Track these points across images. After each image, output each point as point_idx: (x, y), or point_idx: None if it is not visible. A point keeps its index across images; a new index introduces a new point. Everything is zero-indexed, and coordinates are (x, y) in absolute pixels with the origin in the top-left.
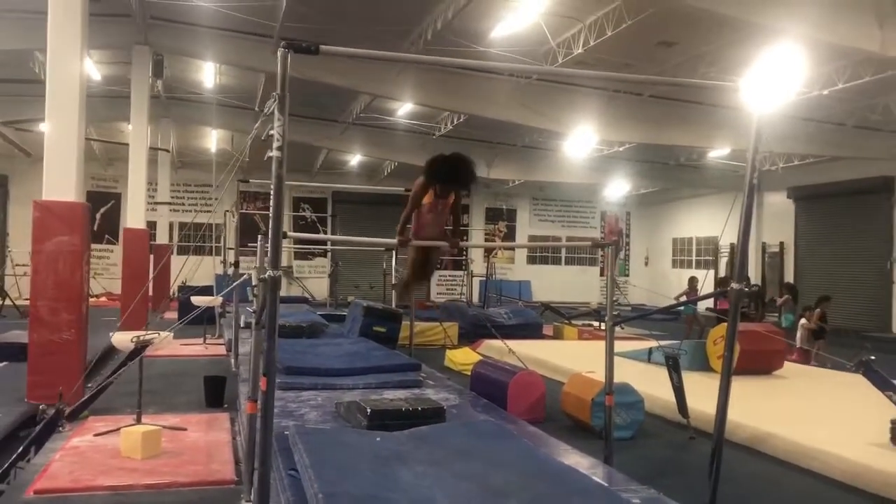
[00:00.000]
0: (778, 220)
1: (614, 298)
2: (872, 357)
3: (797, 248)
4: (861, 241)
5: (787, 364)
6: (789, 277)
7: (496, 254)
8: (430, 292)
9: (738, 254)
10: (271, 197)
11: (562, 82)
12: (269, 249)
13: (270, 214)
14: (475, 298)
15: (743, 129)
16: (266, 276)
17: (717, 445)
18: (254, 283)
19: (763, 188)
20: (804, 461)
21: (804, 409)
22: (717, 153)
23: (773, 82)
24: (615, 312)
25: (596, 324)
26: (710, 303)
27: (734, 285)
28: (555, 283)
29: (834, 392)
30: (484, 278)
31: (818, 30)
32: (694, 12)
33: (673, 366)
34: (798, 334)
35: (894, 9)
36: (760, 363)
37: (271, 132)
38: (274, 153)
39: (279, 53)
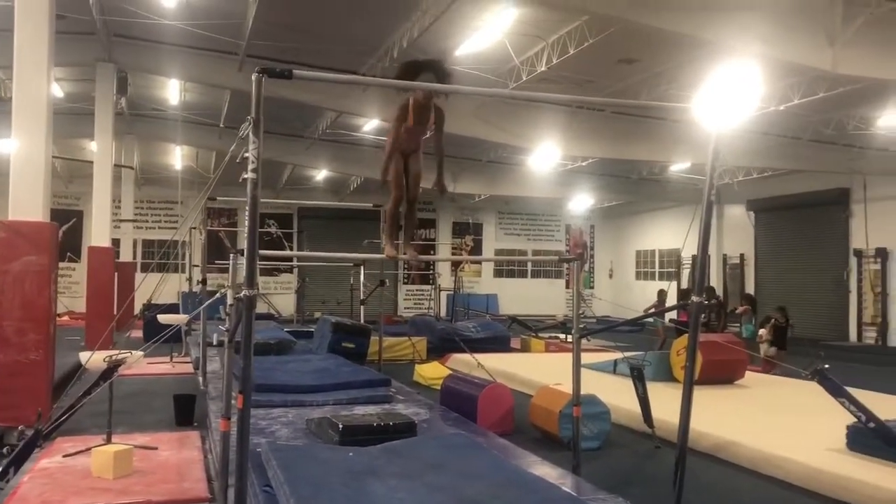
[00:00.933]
0: (738, 232)
1: (580, 311)
2: (826, 365)
3: (757, 260)
4: (818, 251)
5: (748, 373)
6: (750, 288)
7: (463, 267)
8: (397, 306)
9: (698, 267)
10: (247, 218)
11: (525, 99)
12: (244, 268)
13: (246, 234)
14: (443, 312)
15: (702, 144)
16: (242, 294)
17: (680, 454)
18: (230, 303)
19: (723, 200)
20: (766, 468)
21: (765, 417)
22: (678, 167)
23: (728, 99)
24: (581, 325)
25: (562, 336)
26: (674, 314)
27: (694, 298)
28: (521, 296)
29: (793, 399)
30: (451, 292)
31: (772, 48)
32: (652, 31)
33: (638, 376)
34: (762, 344)
35: (844, 28)
36: (722, 373)
37: (246, 155)
38: (249, 175)
39: (253, 78)
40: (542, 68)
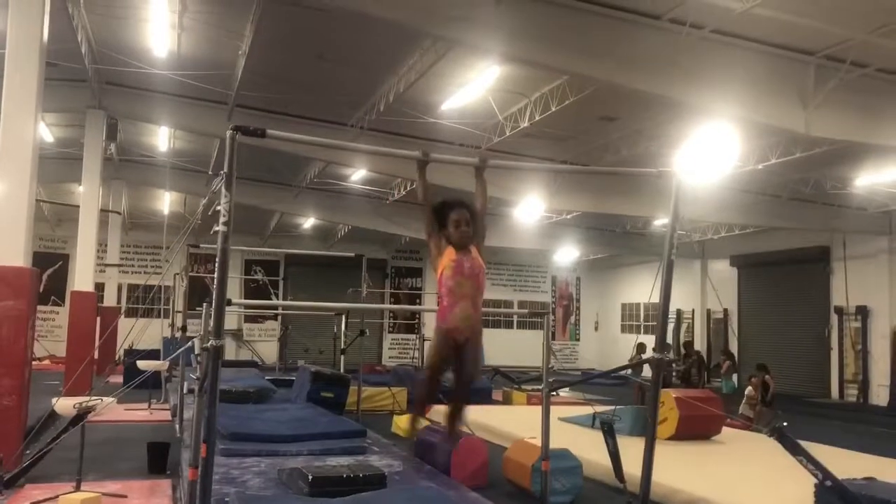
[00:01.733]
0: (722, 287)
1: (559, 363)
2: (785, 423)
3: (741, 315)
4: (800, 308)
5: (726, 429)
6: (734, 343)
7: None
8: (381, 355)
9: (659, 323)
10: (216, 269)
11: (510, 152)
12: (212, 318)
13: (215, 285)
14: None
15: (683, 200)
16: (209, 345)
17: None
18: (196, 352)
19: (707, 256)
20: None
21: (738, 474)
22: (661, 221)
23: (706, 158)
24: (551, 379)
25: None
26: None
27: (655, 354)
28: (507, 347)
29: (767, 456)
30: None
31: (748, 110)
32: (631, 92)
33: (608, 431)
34: (743, 401)
35: (816, 92)
36: (699, 428)
37: (218, 208)
38: (220, 228)
39: (227, 135)
40: (525, 124)
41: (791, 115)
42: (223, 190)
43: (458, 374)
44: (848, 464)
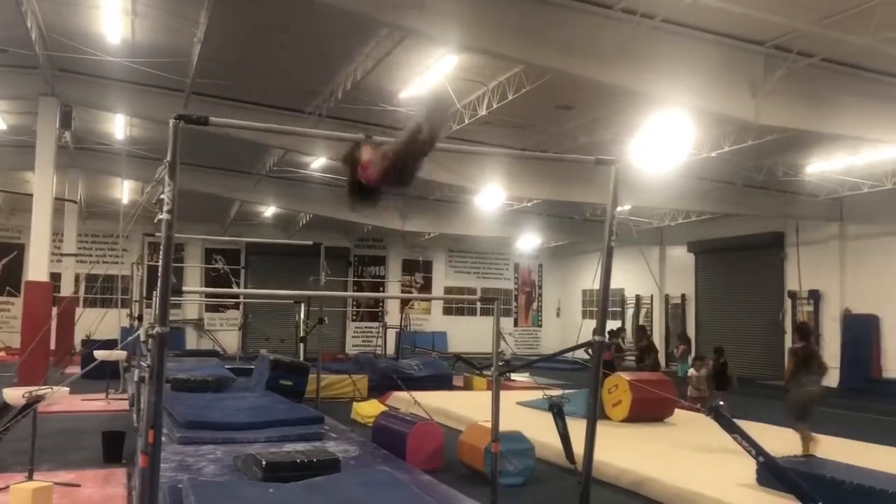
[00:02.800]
0: (680, 273)
1: (521, 349)
2: (721, 402)
3: (698, 300)
4: (756, 292)
5: (678, 412)
6: (691, 328)
7: (412, 305)
8: (345, 343)
9: (600, 308)
10: (160, 256)
11: (469, 139)
12: (157, 306)
13: (160, 273)
14: (391, 350)
15: (636, 189)
16: (154, 332)
17: (585, 487)
18: (142, 339)
19: (665, 242)
20: (681, 503)
21: (686, 454)
22: (619, 208)
23: (654, 148)
24: (500, 362)
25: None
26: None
27: (596, 337)
28: (470, 334)
29: (716, 437)
30: (399, 329)
31: (699, 99)
32: (586, 81)
33: (557, 413)
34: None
35: (765, 81)
36: (651, 411)
37: (162, 196)
38: (164, 216)
39: (171, 124)
40: (483, 112)
41: (741, 104)
42: (166, 178)
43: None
44: (795, 443)
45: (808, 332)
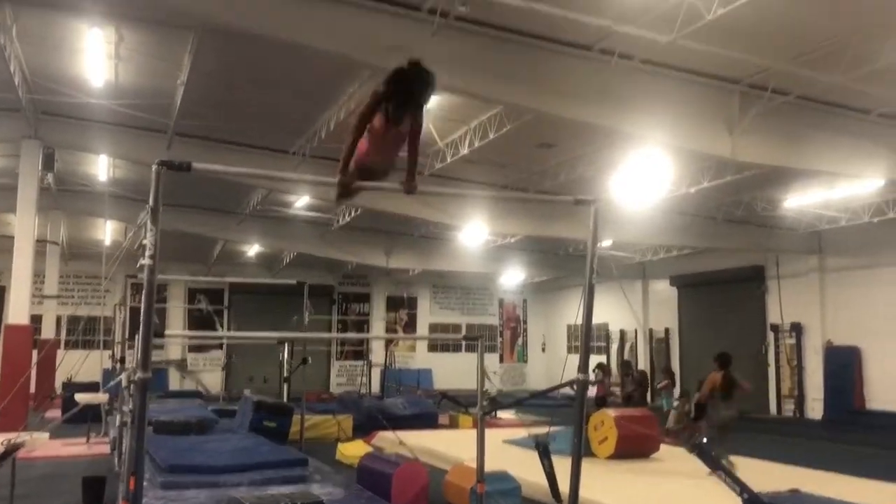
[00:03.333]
0: (663, 307)
1: (507, 385)
2: (704, 440)
3: (681, 334)
4: (738, 326)
5: (663, 447)
6: (675, 362)
7: (397, 343)
8: (329, 382)
9: (582, 345)
10: (142, 301)
11: (452, 178)
12: (140, 351)
13: (142, 318)
14: (375, 388)
15: (617, 224)
16: (136, 378)
17: None
18: (124, 385)
19: (648, 276)
20: None
21: (672, 490)
22: (601, 244)
23: (634, 185)
24: (485, 401)
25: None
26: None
27: (579, 376)
28: (455, 371)
29: (701, 472)
30: (384, 367)
31: (677, 137)
32: (565, 120)
33: (543, 452)
34: (670, 417)
35: (741, 118)
36: (638, 447)
37: (144, 241)
38: (146, 262)
39: (153, 169)
40: (465, 151)
41: (718, 141)
42: (149, 223)
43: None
44: (779, 477)
45: (727, 361)
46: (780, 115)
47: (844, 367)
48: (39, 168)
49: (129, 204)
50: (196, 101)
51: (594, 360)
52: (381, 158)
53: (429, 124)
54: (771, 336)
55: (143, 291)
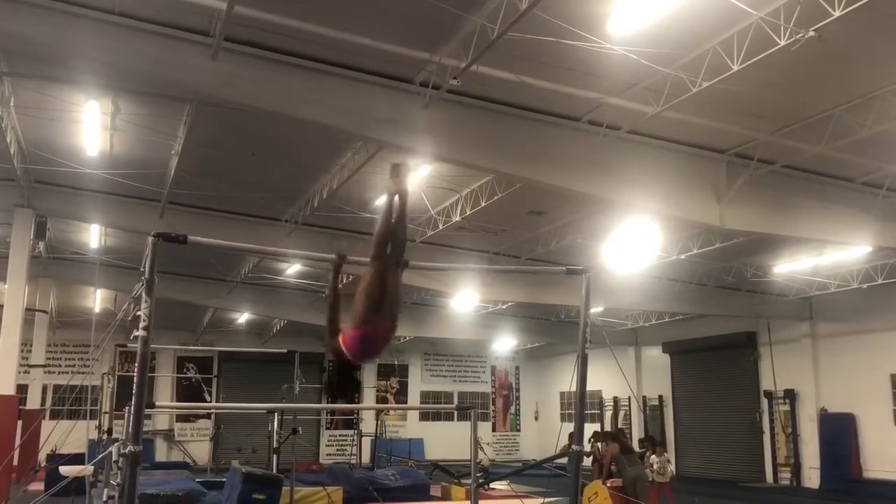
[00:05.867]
0: (656, 374)
1: (500, 454)
2: None
3: (675, 401)
4: (732, 393)
5: None
6: (669, 429)
7: (388, 412)
8: (319, 453)
9: (576, 415)
10: (136, 372)
11: (443, 245)
12: (131, 424)
13: (134, 390)
14: (366, 458)
15: (608, 291)
16: (126, 451)
17: None
18: (114, 458)
19: (640, 342)
20: None
21: None
22: (593, 310)
23: (624, 252)
24: (479, 472)
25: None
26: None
27: (574, 447)
28: (447, 440)
29: None
30: (374, 437)
31: (665, 205)
32: (556, 189)
33: None
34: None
35: (728, 187)
36: None
37: (138, 312)
38: (140, 333)
39: (149, 241)
40: (457, 218)
41: (706, 210)
42: (143, 295)
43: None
44: None
45: (617, 436)
46: (766, 184)
47: (840, 434)
48: (31, 237)
49: (120, 272)
50: (189, 170)
51: (588, 428)
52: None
53: (420, 193)
54: (765, 403)
55: (137, 363)
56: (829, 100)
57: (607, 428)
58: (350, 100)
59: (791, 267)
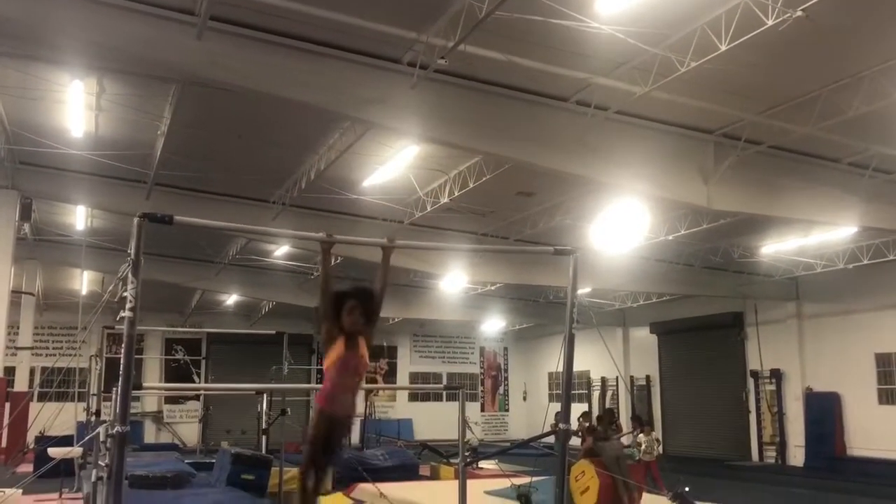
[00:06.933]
0: (643, 354)
1: (488, 434)
2: (687, 488)
3: (662, 381)
4: (718, 373)
5: (647, 496)
6: (656, 409)
7: (377, 392)
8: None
9: (563, 395)
10: (122, 354)
11: (432, 226)
12: (119, 404)
13: (121, 371)
14: (355, 439)
15: (596, 272)
16: (114, 431)
17: None
18: (101, 438)
19: (628, 323)
20: None
21: None
22: (581, 291)
23: (612, 233)
24: (467, 451)
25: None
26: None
27: (561, 425)
28: (436, 421)
29: None
30: (363, 418)
31: (652, 186)
32: (544, 169)
33: (525, 502)
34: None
35: (716, 168)
36: (622, 497)
37: (125, 293)
38: (126, 314)
39: (135, 222)
40: (445, 200)
41: (693, 190)
42: (130, 276)
43: (329, 446)
44: None
45: (593, 429)
46: (753, 165)
47: (825, 413)
48: (16, 218)
49: (107, 254)
50: (176, 151)
51: (576, 408)
52: (345, 400)
53: (408, 174)
54: (751, 383)
55: (124, 344)
56: (816, 80)
57: (595, 407)
58: (337, 80)
59: (777, 248)
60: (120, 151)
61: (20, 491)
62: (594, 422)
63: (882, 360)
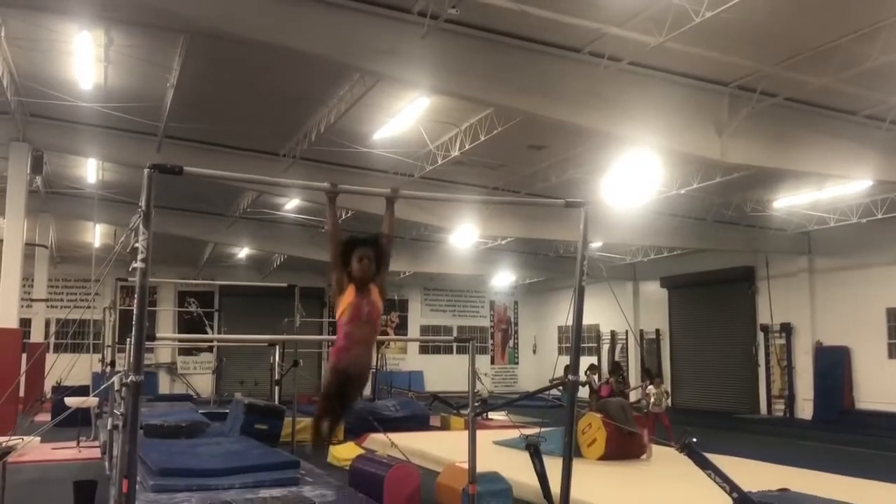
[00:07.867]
0: (653, 309)
1: (499, 387)
2: (694, 439)
3: (672, 335)
4: (728, 327)
5: (654, 447)
6: (666, 363)
7: (388, 344)
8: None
9: (572, 348)
10: (135, 305)
11: (442, 180)
12: (133, 354)
13: (134, 322)
14: (367, 390)
15: (607, 226)
16: (128, 381)
17: None
18: (116, 388)
19: (638, 277)
20: None
21: (662, 491)
22: (591, 245)
23: (624, 186)
24: (476, 402)
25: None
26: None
27: (570, 377)
28: (447, 373)
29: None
30: (375, 370)
31: (666, 139)
32: (556, 122)
33: (534, 453)
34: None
35: (730, 120)
36: (627, 448)
37: (136, 244)
38: (138, 265)
39: (145, 173)
40: (456, 153)
41: (707, 143)
42: (141, 227)
43: (343, 399)
44: (769, 477)
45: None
46: (768, 117)
47: (834, 367)
48: (28, 171)
49: (119, 207)
50: (186, 103)
51: (585, 361)
52: (359, 351)
53: (419, 127)
54: (761, 336)
55: (136, 295)
56: (834, 30)
57: (604, 361)
58: (346, 30)
59: (790, 201)
60: (130, 104)
61: (38, 439)
62: (608, 375)
63: (893, 315)
